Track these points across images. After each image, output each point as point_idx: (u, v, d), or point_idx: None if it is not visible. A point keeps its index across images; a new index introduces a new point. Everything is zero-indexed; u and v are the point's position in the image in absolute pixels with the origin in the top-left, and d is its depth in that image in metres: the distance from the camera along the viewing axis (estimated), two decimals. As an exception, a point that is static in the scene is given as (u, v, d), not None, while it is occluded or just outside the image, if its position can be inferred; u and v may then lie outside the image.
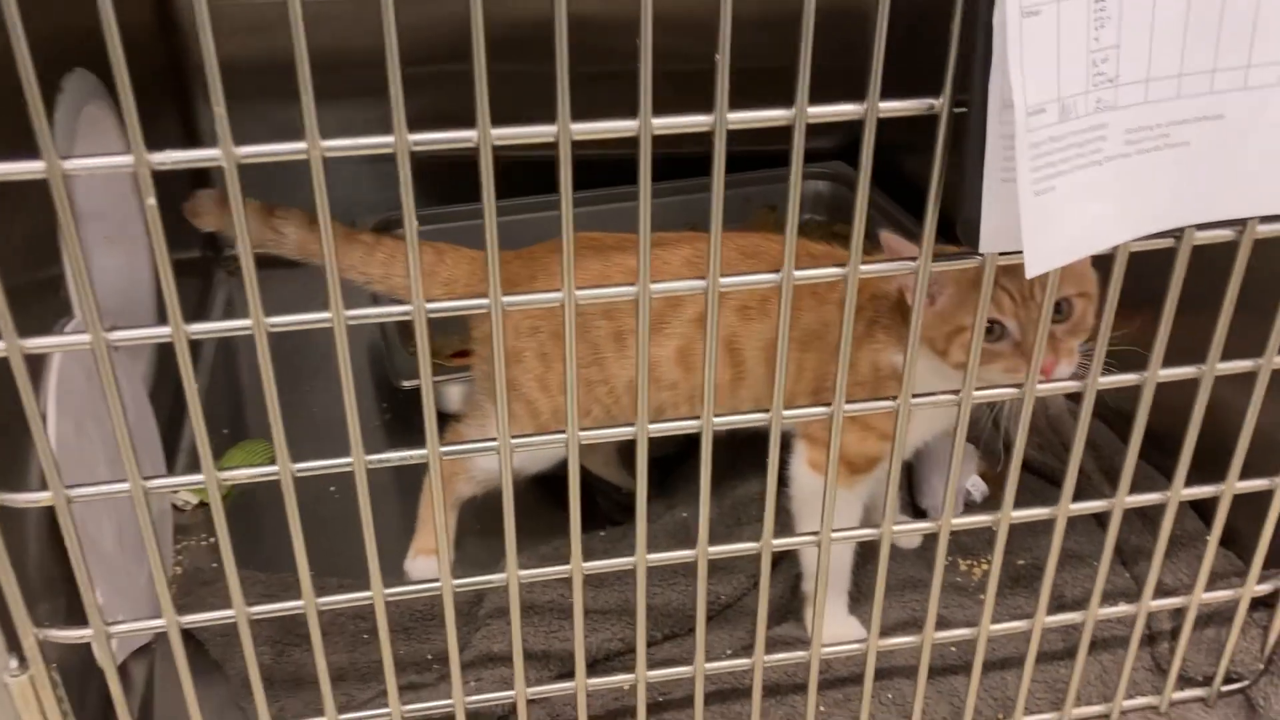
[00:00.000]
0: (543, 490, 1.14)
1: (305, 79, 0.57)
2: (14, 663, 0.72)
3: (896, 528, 0.79)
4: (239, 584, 0.72)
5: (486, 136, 0.60)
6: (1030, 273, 0.63)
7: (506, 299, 0.66)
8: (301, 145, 0.59)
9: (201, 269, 1.52)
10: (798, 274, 0.68)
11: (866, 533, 0.80)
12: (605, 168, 1.07)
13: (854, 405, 0.74)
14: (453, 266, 0.99)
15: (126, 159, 0.58)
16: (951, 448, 1.10)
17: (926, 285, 0.70)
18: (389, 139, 0.60)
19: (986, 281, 0.69)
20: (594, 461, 1.15)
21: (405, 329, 1.32)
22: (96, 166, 0.59)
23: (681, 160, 1.03)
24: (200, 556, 1.10)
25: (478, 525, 1.10)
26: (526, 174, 1.03)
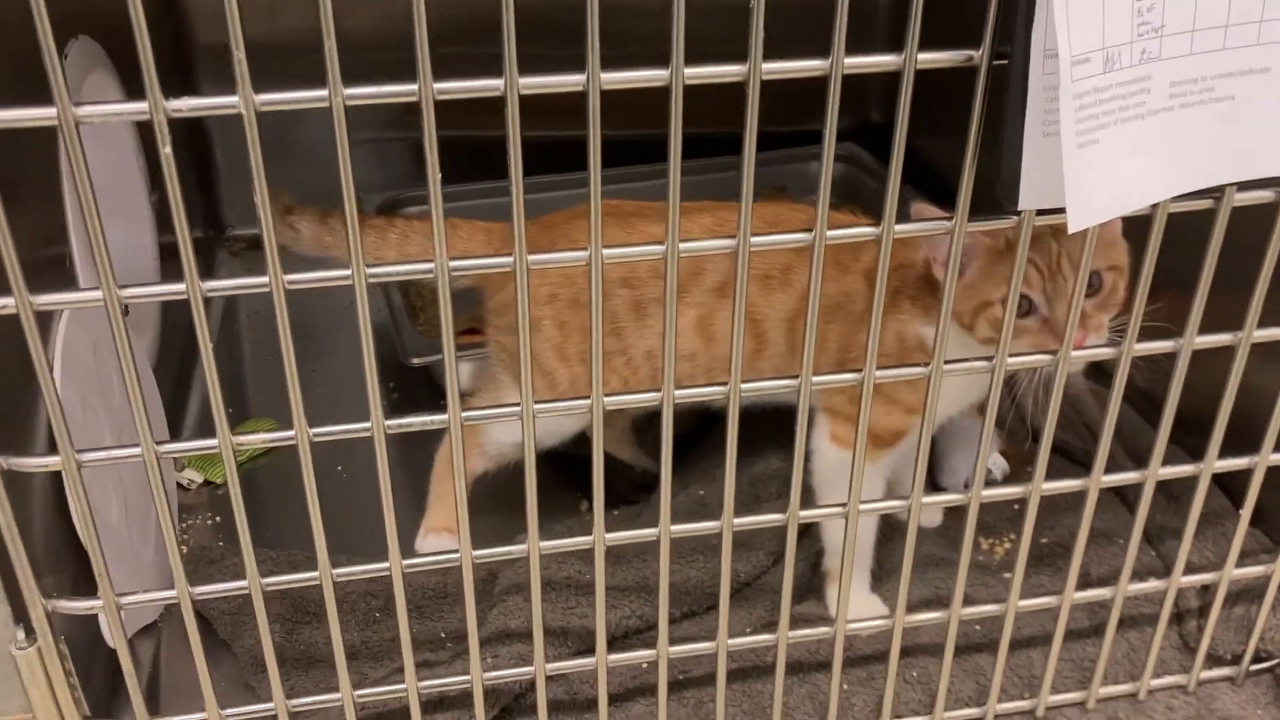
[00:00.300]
0: (553, 471, 1.12)
1: (328, 24, 0.55)
2: (21, 634, 0.70)
3: (925, 499, 0.77)
4: (252, 554, 0.70)
5: (513, 84, 0.58)
6: (1072, 228, 0.62)
7: (532, 257, 0.64)
8: (323, 93, 0.57)
9: (204, 249, 1.50)
10: (831, 234, 0.66)
11: (894, 504, 0.78)
12: (621, 149, 1.06)
13: (885, 372, 0.72)
14: (467, 239, 0.97)
15: (142, 106, 0.56)
16: (971, 426, 1.09)
17: (952, 250, 0.68)
18: (412, 87, 0.58)
19: (1023, 241, 0.67)
20: (608, 440, 1.12)
21: (413, 307, 1.30)
22: (111, 113, 0.57)
23: (698, 140, 1.02)
24: (205, 536, 1.08)
25: (489, 504, 1.08)
26: (539, 158, 1.01)
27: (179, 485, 1.12)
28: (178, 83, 1.48)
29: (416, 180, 1.63)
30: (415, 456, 1.08)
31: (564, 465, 1.10)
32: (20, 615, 0.69)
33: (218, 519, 1.10)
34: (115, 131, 1.10)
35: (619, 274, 0.90)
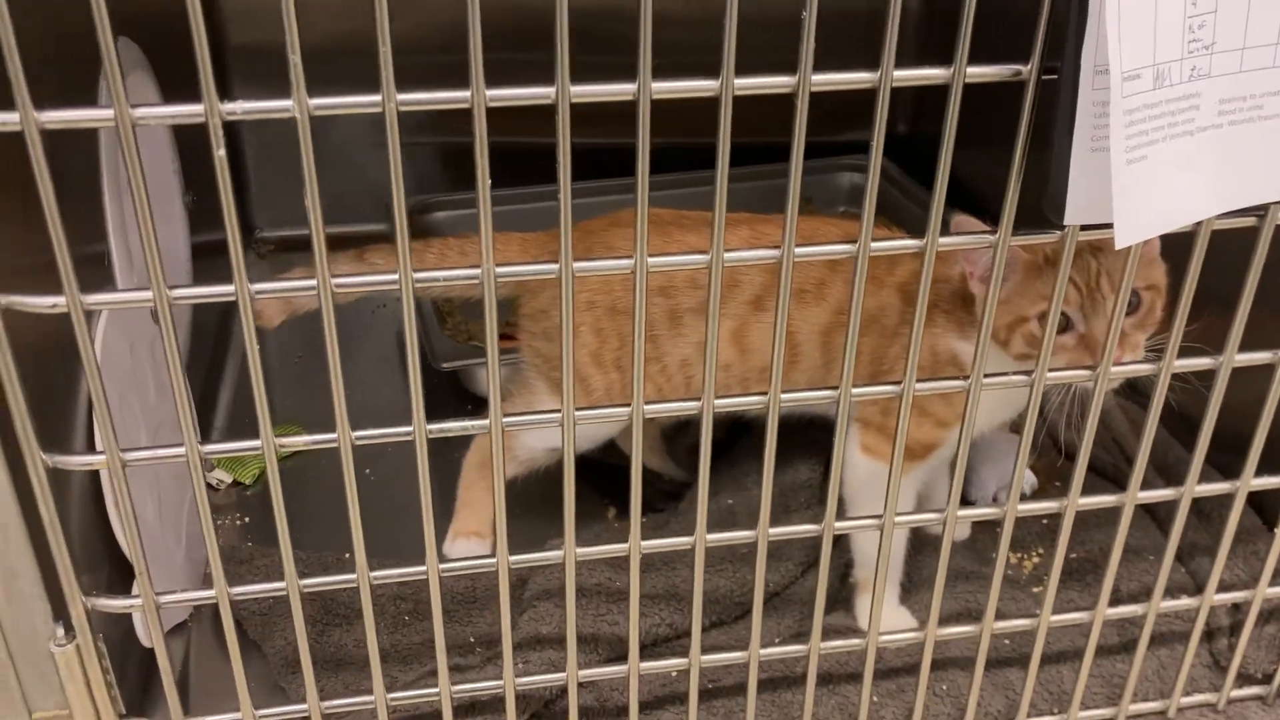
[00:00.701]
0: (580, 477, 1.11)
1: (384, 30, 0.55)
2: (60, 631, 0.70)
3: (961, 512, 0.77)
4: (291, 555, 0.70)
5: (565, 93, 0.58)
6: (1119, 244, 0.62)
7: (576, 265, 0.64)
8: (376, 98, 0.57)
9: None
10: (875, 245, 0.66)
11: (929, 517, 0.78)
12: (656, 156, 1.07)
13: (924, 384, 0.72)
14: (503, 250, 0.98)
15: (197, 108, 0.56)
16: (1000, 440, 1.09)
17: (995, 264, 0.68)
18: (465, 94, 0.58)
19: (1067, 257, 0.67)
20: (635, 447, 1.13)
21: (440, 312, 1.31)
22: (167, 115, 0.58)
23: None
24: (233, 536, 1.08)
25: (516, 509, 1.08)
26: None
27: (208, 485, 1.13)
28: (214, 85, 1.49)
29: (443, 184, 1.63)
30: (440, 461, 1.08)
31: (590, 471, 1.10)
32: (59, 613, 0.70)
33: (246, 519, 1.10)
34: (152, 132, 1.11)
35: (656, 283, 0.90)
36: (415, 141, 1.55)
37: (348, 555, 1.03)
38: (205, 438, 1.14)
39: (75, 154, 0.86)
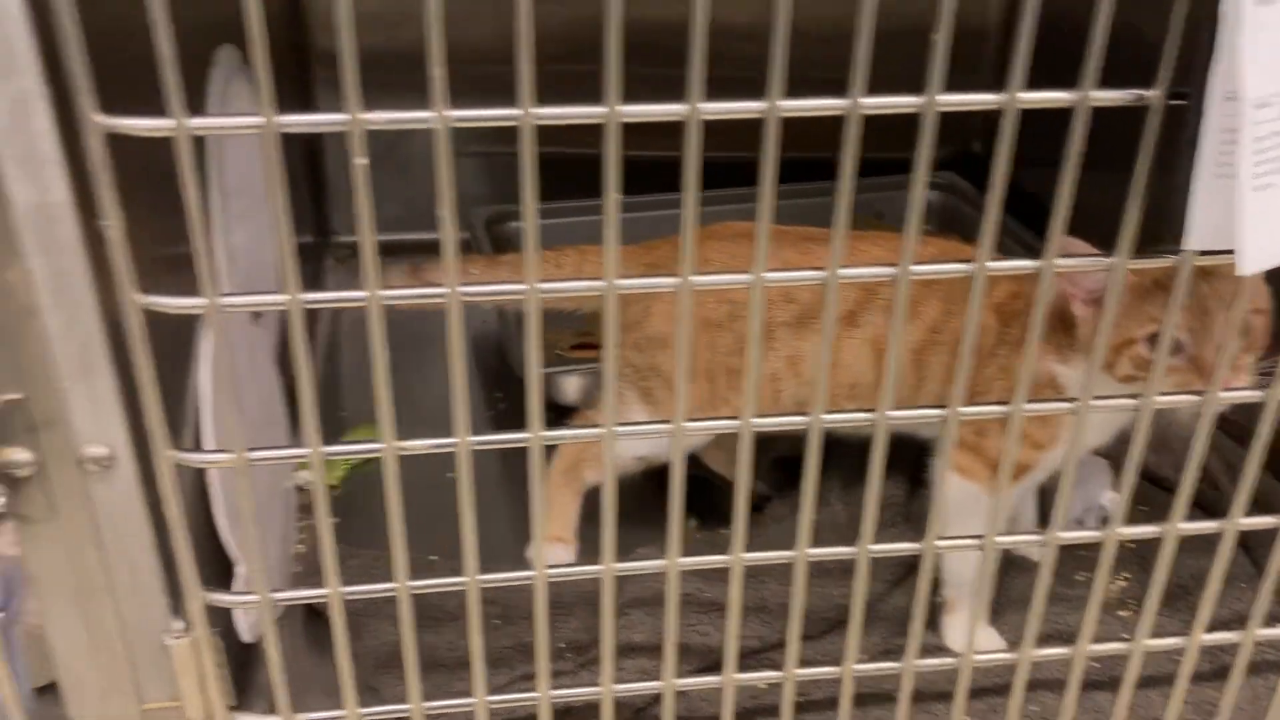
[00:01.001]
0: (658, 487, 1.13)
1: (527, 38, 0.56)
2: (178, 624, 0.71)
3: (1063, 534, 0.77)
4: (405, 557, 0.72)
5: (696, 112, 0.59)
6: (1242, 271, 0.62)
7: (695, 279, 0.65)
8: (516, 111, 0.58)
9: (312, 254, 1.53)
10: (991, 265, 0.67)
11: (1032, 537, 0.78)
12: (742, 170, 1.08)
13: (1033, 405, 0.72)
14: (596, 262, 0.99)
15: (344, 116, 0.58)
16: (1085, 463, 1.09)
17: (1100, 289, 0.68)
18: (602, 109, 0.59)
19: (1183, 281, 0.68)
20: (717, 460, 1.14)
21: (520, 320, 1.32)
22: (309, 124, 0.59)
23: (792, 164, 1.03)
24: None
25: (595, 517, 1.09)
26: (643, 177, 1.02)
27: (296, 487, 1.15)
28: (297, 90, 1.51)
29: (515, 195, 1.65)
30: (514, 464, 1.09)
31: (667, 482, 1.11)
32: (177, 606, 0.71)
33: (335, 520, 1.11)
34: (252, 139, 1.13)
35: (746, 297, 0.91)
36: (495, 151, 1.57)
37: (434, 558, 1.05)
38: (292, 439, 1.17)
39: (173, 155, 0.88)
